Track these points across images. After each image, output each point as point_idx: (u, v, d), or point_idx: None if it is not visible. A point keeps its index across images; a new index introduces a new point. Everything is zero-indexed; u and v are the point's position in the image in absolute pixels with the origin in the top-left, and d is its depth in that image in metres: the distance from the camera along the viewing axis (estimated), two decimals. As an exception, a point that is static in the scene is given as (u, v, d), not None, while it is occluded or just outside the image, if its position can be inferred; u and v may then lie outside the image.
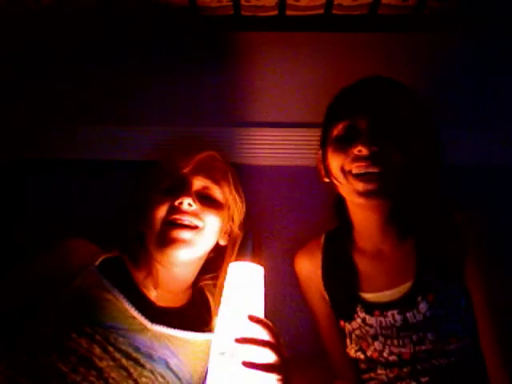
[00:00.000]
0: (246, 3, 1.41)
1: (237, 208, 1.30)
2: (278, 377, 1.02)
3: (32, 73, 1.50)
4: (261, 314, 1.09)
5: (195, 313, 1.24)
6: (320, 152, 1.24)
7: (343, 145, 1.14)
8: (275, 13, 1.46)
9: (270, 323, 1.07)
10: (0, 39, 1.49)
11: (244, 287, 1.09)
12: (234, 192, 1.29)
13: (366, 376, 1.19)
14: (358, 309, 1.17)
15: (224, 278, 1.14)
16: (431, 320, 1.08)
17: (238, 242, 1.26)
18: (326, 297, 1.26)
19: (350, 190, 1.14)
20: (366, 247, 1.21)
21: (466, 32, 1.49)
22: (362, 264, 1.21)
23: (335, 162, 1.15)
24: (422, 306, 1.09)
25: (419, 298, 1.10)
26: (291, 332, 1.38)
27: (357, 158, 1.11)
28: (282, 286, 1.42)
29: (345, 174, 1.13)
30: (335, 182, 1.18)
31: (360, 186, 1.11)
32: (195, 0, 1.41)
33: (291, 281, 1.41)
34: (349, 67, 1.50)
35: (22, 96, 1.50)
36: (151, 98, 1.49)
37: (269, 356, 1.02)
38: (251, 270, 1.11)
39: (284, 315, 1.40)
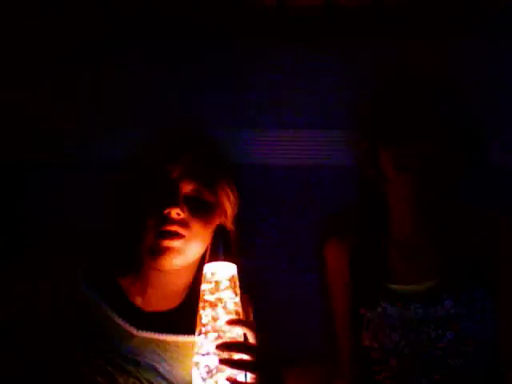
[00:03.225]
0: (246, 4, 1.41)
1: (229, 203, 1.27)
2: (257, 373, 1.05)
3: (32, 73, 1.50)
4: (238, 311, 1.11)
5: (188, 314, 1.17)
6: (365, 145, 1.27)
7: (393, 143, 1.19)
8: (275, 13, 1.46)
9: (248, 321, 1.10)
10: (0, 39, 1.49)
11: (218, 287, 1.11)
12: (226, 188, 1.26)
13: (377, 367, 1.20)
14: (381, 298, 1.19)
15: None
16: (453, 318, 1.12)
17: (232, 237, 1.25)
18: (350, 284, 1.28)
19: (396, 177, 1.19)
20: (400, 240, 1.25)
21: (465, 33, 1.49)
22: (393, 256, 1.24)
23: (387, 158, 1.20)
24: (447, 303, 1.13)
25: (445, 295, 1.14)
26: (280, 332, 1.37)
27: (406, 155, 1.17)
28: (279, 288, 1.43)
29: (394, 169, 1.18)
30: (383, 175, 1.22)
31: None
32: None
33: (290, 281, 1.42)
34: (349, 68, 1.51)
35: (22, 96, 1.49)
36: (151, 99, 1.49)
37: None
38: (224, 268, 1.13)
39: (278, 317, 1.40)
